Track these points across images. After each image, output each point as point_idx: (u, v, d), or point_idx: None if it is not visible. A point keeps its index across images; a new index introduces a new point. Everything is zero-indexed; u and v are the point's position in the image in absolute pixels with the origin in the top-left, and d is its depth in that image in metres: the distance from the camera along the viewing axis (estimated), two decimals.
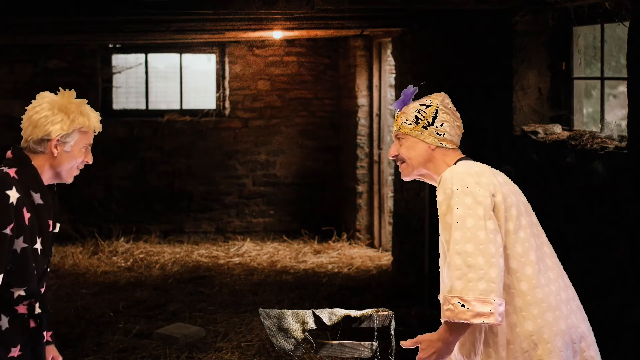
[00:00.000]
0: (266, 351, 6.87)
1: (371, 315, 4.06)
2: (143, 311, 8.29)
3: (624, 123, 5.41)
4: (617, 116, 8.52)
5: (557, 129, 6.24)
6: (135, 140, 11.88)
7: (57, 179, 3.55)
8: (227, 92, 12.17)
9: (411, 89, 3.63)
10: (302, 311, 4.06)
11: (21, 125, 3.52)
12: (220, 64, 12.20)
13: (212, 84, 12.30)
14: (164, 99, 12.31)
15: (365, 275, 9.80)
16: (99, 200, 11.77)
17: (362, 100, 11.40)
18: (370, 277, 9.66)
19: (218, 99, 12.23)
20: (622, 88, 8.15)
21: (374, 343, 4.06)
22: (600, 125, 5.82)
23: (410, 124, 3.56)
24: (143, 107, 12.15)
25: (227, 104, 12.18)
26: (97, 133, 3.57)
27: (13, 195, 3.35)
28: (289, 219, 12.20)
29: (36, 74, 11.75)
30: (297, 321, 4.04)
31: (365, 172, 11.47)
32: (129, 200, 11.87)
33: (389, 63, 11.07)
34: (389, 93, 11.13)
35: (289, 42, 12.05)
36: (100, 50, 11.89)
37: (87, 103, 3.59)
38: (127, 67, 12.13)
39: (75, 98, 3.54)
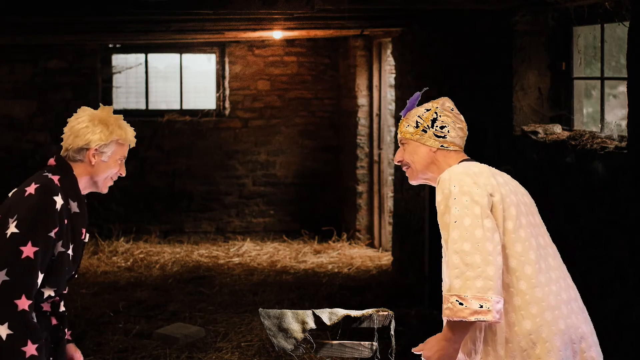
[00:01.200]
0: (266, 351, 6.87)
1: (371, 315, 4.06)
2: (143, 311, 8.29)
3: (624, 123, 5.41)
4: (617, 116, 8.52)
5: (557, 129, 6.24)
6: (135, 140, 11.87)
7: (93, 188, 3.76)
8: (227, 92, 12.17)
9: (415, 95, 3.70)
10: (302, 311, 4.06)
11: (62, 136, 3.72)
12: (220, 64, 12.20)
13: (212, 84, 12.30)
14: (164, 99, 12.31)
15: (365, 275, 9.80)
16: (99, 200, 11.76)
17: (362, 100, 11.40)
18: (370, 277, 9.66)
19: (218, 99, 12.23)
20: (622, 88, 8.15)
21: (374, 343, 4.07)
22: (600, 125, 5.82)
23: (411, 129, 3.61)
24: (143, 107, 12.15)
25: (227, 104, 12.18)
26: (131, 147, 3.80)
27: (59, 201, 3.54)
28: (289, 219, 12.20)
29: (36, 74, 11.75)
30: (297, 321, 4.04)
31: (365, 172, 11.47)
32: (129, 200, 11.88)
33: (389, 63, 11.07)
34: (389, 93, 11.13)
35: (289, 42, 12.05)
36: (100, 50, 11.89)
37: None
38: (127, 67, 12.14)
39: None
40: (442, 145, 3.58)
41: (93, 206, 11.68)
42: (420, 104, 3.71)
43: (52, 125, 11.71)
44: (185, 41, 11.52)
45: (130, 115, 12.00)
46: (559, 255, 3.55)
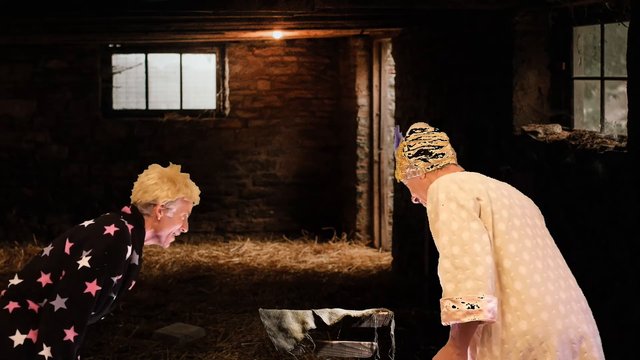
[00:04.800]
0: (266, 351, 6.87)
1: (371, 315, 4.06)
2: (143, 311, 8.29)
3: (624, 123, 5.41)
4: (617, 116, 8.52)
5: (557, 129, 6.24)
6: (135, 140, 11.88)
7: (156, 241, 3.92)
8: (227, 92, 12.17)
9: (397, 128, 3.86)
10: (302, 311, 4.06)
11: (132, 190, 3.94)
12: (220, 64, 12.20)
13: (212, 84, 12.30)
14: (164, 99, 12.31)
15: (365, 275, 9.80)
16: (99, 200, 11.77)
17: (362, 100, 11.40)
18: (370, 277, 9.66)
19: (218, 99, 12.23)
20: (622, 88, 8.15)
21: (374, 343, 4.07)
22: (600, 125, 5.82)
23: (400, 172, 3.76)
24: (143, 107, 12.15)
25: (227, 104, 12.18)
26: (195, 205, 3.94)
27: (129, 251, 3.70)
28: (289, 219, 12.20)
29: (36, 74, 11.74)
30: (297, 321, 4.04)
31: (365, 172, 11.47)
32: (129, 201, 11.86)
33: (389, 63, 11.07)
34: (389, 93, 11.13)
35: (289, 42, 12.05)
36: (100, 50, 11.88)
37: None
38: (127, 67, 12.13)
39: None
40: (431, 167, 3.68)
41: (93, 206, 11.70)
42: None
43: (52, 125, 11.71)
44: (185, 41, 11.52)
45: (130, 115, 12.02)
46: (561, 257, 3.56)
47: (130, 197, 3.91)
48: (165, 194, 3.83)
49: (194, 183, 3.93)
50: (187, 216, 3.93)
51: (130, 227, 3.75)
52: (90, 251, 3.61)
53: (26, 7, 6.65)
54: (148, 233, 3.85)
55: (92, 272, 3.59)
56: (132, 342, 7.24)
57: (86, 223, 3.77)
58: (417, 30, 9.01)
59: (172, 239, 3.95)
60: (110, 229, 3.68)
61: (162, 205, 3.83)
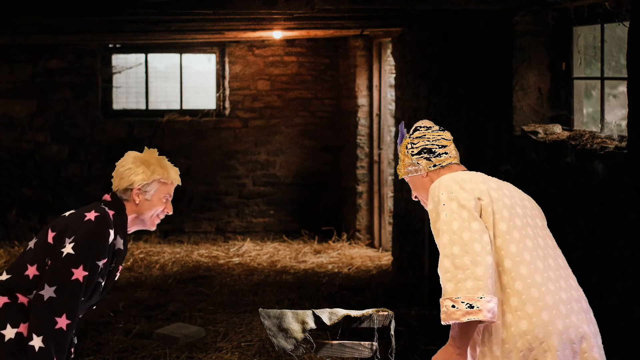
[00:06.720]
0: (266, 351, 6.88)
1: (371, 315, 4.07)
2: (143, 311, 8.29)
3: (624, 123, 5.41)
4: (617, 116, 8.52)
5: (557, 129, 6.24)
6: (135, 140, 11.87)
7: (140, 226, 3.96)
8: (227, 92, 12.17)
9: (402, 124, 3.86)
10: (302, 311, 4.06)
11: (112, 180, 3.97)
12: (220, 64, 12.20)
13: (212, 84, 12.30)
14: (164, 99, 12.31)
15: (365, 275, 9.80)
16: (98, 200, 11.76)
17: (362, 100, 11.40)
18: (370, 277, 9.66)
19: (218, 99, 12.23)
20: (622, 88, 8.15)
21: (374, 343, 4.07)
22: (600, 125, 5.82)
23: (403, 169, 3.76)
24: (143, 107, 12.15)
25: (227, 104, 12.18)
26: (178, 185, 4.02)
27: (111, 235, 3.74)
28: (289, 219, 12.20)
29: (36, 74, 11.75)
30: (297, 321, 4.04)
31: (365, 172, 11.47)
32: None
33: (389, 63, 11.07)
34: (389, 93, 11.13)
35: (289, 42, 12.05)
36: (100, 50, 11.89)
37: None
38: (127, 67, 12.13)
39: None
40: (433, 166, 3.68)
41: None
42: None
43: (52, 125, 11.71)
44: (185, 41, 11.52)
45: (130, 115, 12.02)
46: (562, 257, 3.56)
47: (112, 186, 3.96)
48: (140, 177, 3.87)
49: (171, 165, 3.99)
50: (170, 198, 3.97)
51: (111, 212, 3.80)
52: (72, 238, 3.65)
53: (26, 7, 6.65)
54: (130, 218, 3.88)
55: (77, 258, 3.63)
56: (132, 342, 7.24)
57: (67, 213, 3.82)
58: (417, 30, 9.01)
59: (157, 221, 3.98)
60: (91, 215, 3.73)
61: (139, 189, 3.87)
